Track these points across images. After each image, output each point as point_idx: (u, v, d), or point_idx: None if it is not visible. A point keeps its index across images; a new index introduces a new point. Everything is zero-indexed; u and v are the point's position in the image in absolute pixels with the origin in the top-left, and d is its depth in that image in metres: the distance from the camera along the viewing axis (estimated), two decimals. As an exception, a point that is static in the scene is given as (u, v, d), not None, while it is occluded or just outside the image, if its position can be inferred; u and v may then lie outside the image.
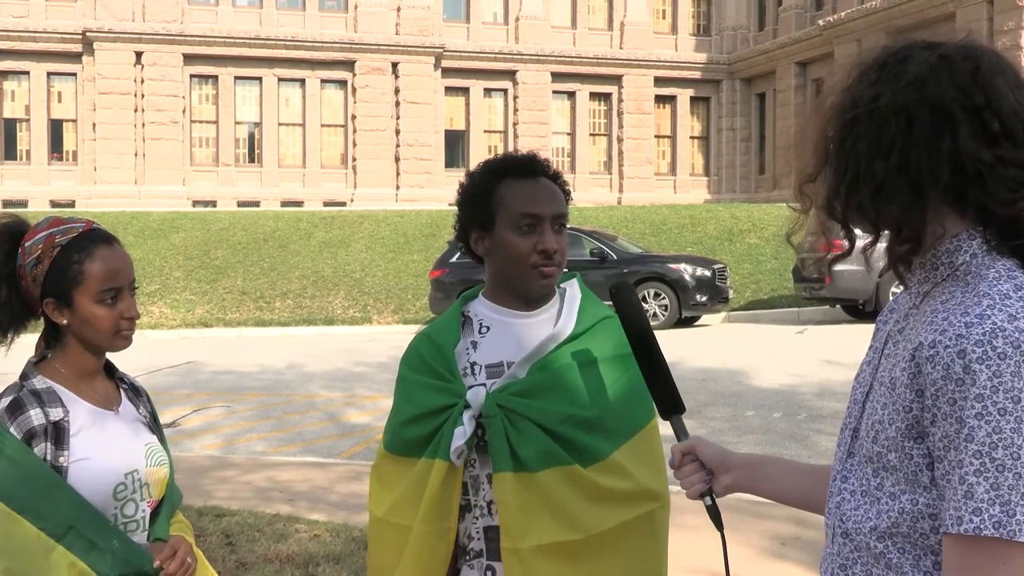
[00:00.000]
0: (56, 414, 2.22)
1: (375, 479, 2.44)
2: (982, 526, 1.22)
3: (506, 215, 2.32)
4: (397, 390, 2.43)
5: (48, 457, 2.19)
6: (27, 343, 2.38)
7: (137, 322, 2.33)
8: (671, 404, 1.99)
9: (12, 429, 2.18)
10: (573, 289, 2.45)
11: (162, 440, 2.44)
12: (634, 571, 2.29)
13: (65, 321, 2.26)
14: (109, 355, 2.38)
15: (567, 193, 2.43)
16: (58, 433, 2.21)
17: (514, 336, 2.35)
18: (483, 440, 2.27)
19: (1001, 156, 1.32)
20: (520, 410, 2.24)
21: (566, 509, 2.22)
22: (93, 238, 2.29)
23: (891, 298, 1.54)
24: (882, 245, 1.43)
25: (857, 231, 1.44)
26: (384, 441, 2.42)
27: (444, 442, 2.25)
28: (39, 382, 2.26)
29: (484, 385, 2.29)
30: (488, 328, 2.38)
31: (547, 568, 2.20)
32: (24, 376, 2.29)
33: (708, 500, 1.83)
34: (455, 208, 2.47)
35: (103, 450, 2.26)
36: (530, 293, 2.36)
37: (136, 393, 2.46)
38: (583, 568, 2.23)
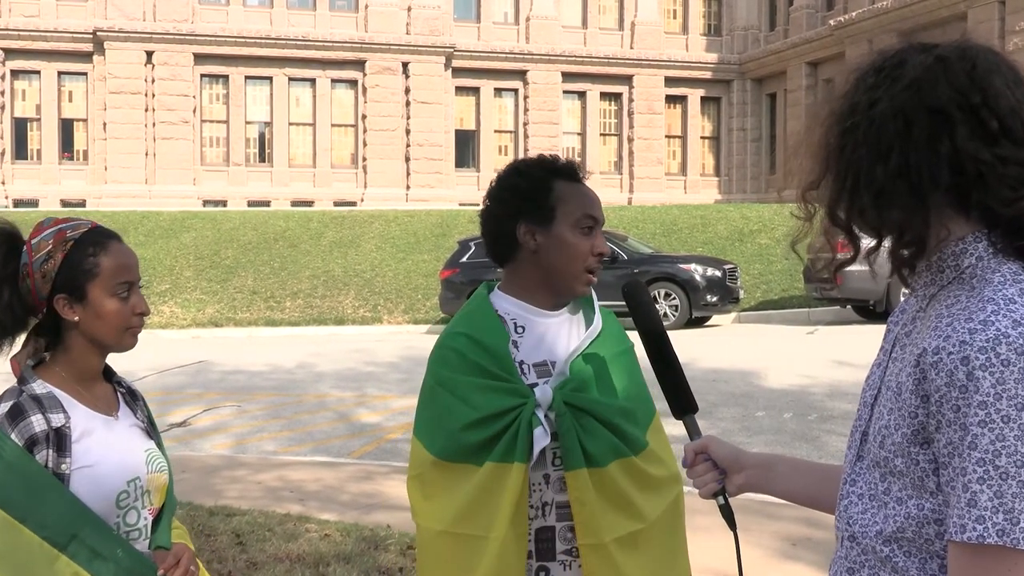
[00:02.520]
0: (57, 420, 2.15)
1: (417, 490, 2.33)
2: (985, 534, 1.21)
3: (568, 214, 2.33)
4: (440, 394, 2.32)
5: (50, 464, 2.12)
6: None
7: (148, 321, 2.31)
8: (685, 403, 1.99)
9: (13, 436, 2.11)
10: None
11: (159, 445, 2.38)
12: (676, 551, 2.39)
13: (76, 317, 2.21)
14: (115, 356, 2.34)
15: None
16: (60, 440, 2.14)
17: (548, 335, 2.37)
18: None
19: (1001, 155, 1.31)
20: (583, 405, 2.26)
21: (629, 500, 2.27)
22: (103, 233, 2.27)
23: (902, 299, 1.52)
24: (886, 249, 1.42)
25: (863, 236, 1.43)
26: (434, 449, 2.30)
27: (521, 444, 2.21)
28: (39, 387, 2.18)
29: (538, 384, 2.29)
30: (523, 328, 2.37)
31: (624, 559, 2.24)
32: (22, 380, 2.21)
33: (721, 500, 1.83)
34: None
35: (105, 457, 2.20)
36: (572, 294, 2.39)
37: (133, 397, 2.39)
38: (648, 554, 2.29)
